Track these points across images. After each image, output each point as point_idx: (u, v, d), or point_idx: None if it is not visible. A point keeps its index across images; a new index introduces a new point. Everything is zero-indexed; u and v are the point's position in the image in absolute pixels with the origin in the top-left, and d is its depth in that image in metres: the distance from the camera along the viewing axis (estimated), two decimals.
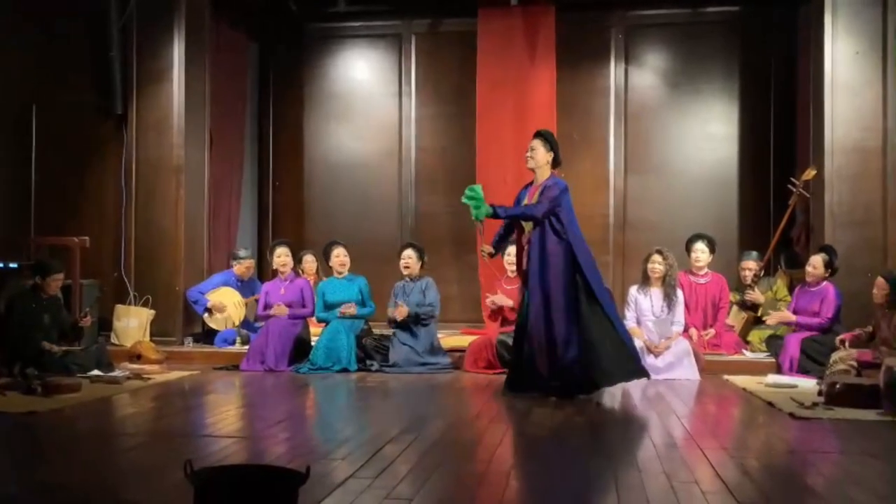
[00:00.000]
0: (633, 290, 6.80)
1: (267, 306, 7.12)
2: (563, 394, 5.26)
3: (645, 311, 6.67)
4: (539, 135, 5.59)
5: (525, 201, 5.51)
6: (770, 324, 6.93)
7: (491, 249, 5.69)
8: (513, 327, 6.83)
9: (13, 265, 7.24)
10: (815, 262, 6.59)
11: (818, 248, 6.86)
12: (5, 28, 7.72)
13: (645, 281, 6.76)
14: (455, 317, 8.36)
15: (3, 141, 7.81)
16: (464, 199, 5.40)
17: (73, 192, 7.92)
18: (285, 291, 7.13)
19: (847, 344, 5.96)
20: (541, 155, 5.49)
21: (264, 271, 8.87)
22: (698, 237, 7.24)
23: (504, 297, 6.89)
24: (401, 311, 6.80)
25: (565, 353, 5.27)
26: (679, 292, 6.71)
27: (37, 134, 7.87)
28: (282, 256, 7.25)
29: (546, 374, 5.31)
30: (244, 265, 7.89)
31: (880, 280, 5.95)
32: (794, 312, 6.62)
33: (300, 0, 8.79)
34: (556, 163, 5.55)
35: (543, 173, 5.50)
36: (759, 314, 7.19)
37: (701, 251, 7.16)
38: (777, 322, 6.84)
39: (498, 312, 6.99)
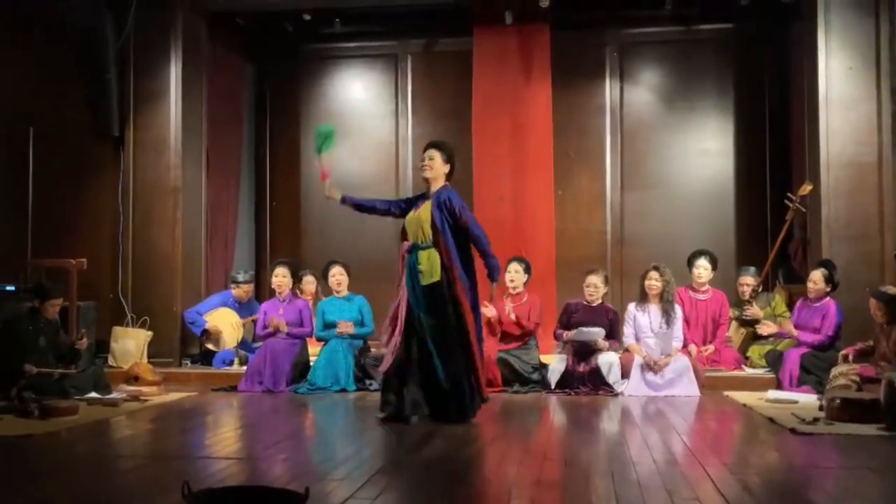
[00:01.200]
0: (632, 307, 6.80)
1: (265, 327, 7.10)
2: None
3: (643, 328, 6.67)
4: (436, 146, 5.35)
5: (417, 212, 5.18)
6: (764, 333, 6.93)
7: (334, 196, 5.36)
8: (513, 344, 6.86)
9: (10, 288, 7.23)
10: (816, 278, 6.59)
11: (817, 263, 6.87)
12: (1, 50, 7.76)
13: (643, 297, 6.76)
14: None
15: None
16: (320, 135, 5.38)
17: (70, 213, 7.92)
18: (284, 312, 7.12)
19: (851, 358, 5.94)
20: (438, 165, 5.25)
21: (262, 291, 8.86)
22: (700, 253, 7.25)
23: (491, 309, 6.85)
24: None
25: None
26: (678, 308, 6.72)
27: (34, 156, 7.88)
28: (279, 276, 7.24)
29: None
30: (243, 289, 7.88)
31: (873, 301, 5.97)
32: (795, 327, 6.62)
33: (296, 21, 8.84)
34: (450, 175, 5.33)
35: (438, 184, 5.26)
36: (757, 330, 7.18)
37: (703, 267, 7.17)
38: (774, 333, 6.83)
39: (492, 326, 6.96)
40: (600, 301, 6.86)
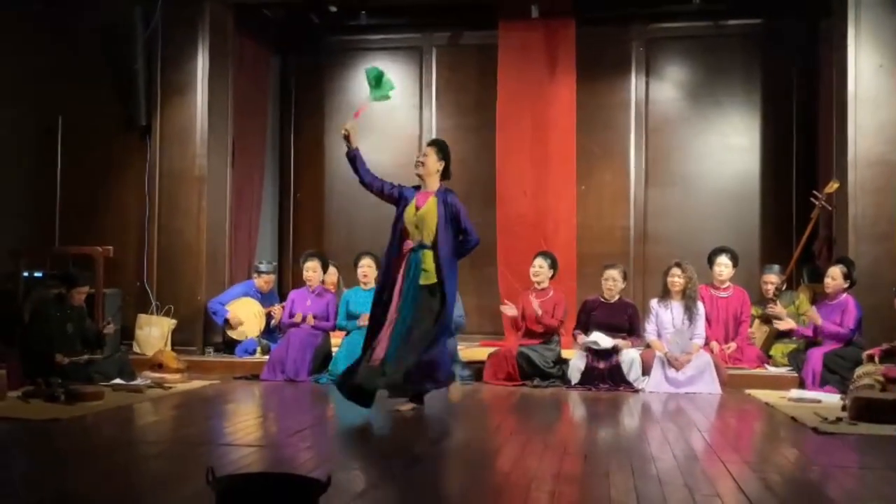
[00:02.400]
0: (654, 303, 6.78)
1: (291, 315, 7.15)
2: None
3: (665, 325, 6.64)
4: (433, 143, 5.42)
5: (414, 206, 5.20)
6: (782, 328, 6.87)
7: (352, 142, 5.20)
8: (535, 340, 6.84)
9: (38, 274, 7.34)
10: (834, 273, 6.53)
11: (835, 259, 6.81)
12: (31, 42, 7.86)
13: (665, 294, 6.74)
14: (473, 329, 8.35)
15: (29, 152, 7.94)
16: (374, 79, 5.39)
17: (97, 202, 8.01)
18: (311, 303, 7.16)
19: (877, 359, 5.88)
20: (432, 163, 5.26)
21: (284, 282, 8.92)
22: (721, 250, 7.21)
23: (511, 308, 6.84)
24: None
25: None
26: (700, 305, 6.68)
27: (62, 144, 7.98)
28: (309, 270, 7.26)
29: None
30: (264, 279, 7.93)
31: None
32: (816, 327, 6.56)
33: (322, 12, 8.86)
34: (446, 174, 5.34)
35: (433, 182, 5.28)
36: (780, 328, 7.12)
37: (724, 265, 7.12)
38: (792, 331, 6.77)
39: (515, 322, 6.97)
40: (619, 297, 6.83)
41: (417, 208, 5.19)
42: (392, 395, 5.16)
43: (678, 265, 6.70)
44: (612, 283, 6.78)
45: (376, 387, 5.03)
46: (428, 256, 5.12)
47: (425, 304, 5.09)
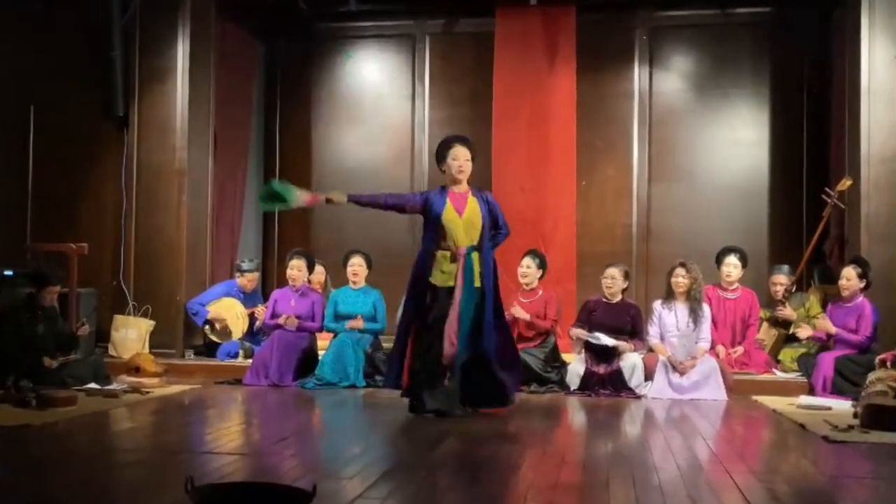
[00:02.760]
0: (657, 305, 6.79)
1: (274, 315, 7.14)
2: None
3: (669, 327, 6.66)
4: (466, 143, 5.51)
5: (453, 209, 5.36)
6: (802, 336, 6.88)
7: (337, 199, 5.43)
8: (529, 343, 6.86)
9: (8, 273, 7.31)
10: (849, 275, 6.54)
11: (848, 259, 6.83)
12: (2, 26, 7.82)
13: (669, 295, 6.75)
14: None
15: None
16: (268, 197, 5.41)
17: (71, 196, 7.99)
18: (295, 304, 7.15)
19: (889, 364, 5.90)
20: (470, 165, 5.49)
21: (268, 281, 8.90)
22: (730, 250, 7.22)
23: (521, 310, 6.88)
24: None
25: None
26: (705, 307, 6.70)
27: (34, 135, 7.96)
28: (294, 270, 7.25)
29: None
30: (247, 278, 7.91)
31: None
32: (829, 335, 6.57)
33: None
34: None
35: (465, 183, 5.49)
36: (790, 332, 7.15)
37: (733, 265, 7.14)
38: (810, 336, 6.78)
39: (513, 325, 6.97)
40: (620, 297, 6.85)
41: (458, 212, 5.37)
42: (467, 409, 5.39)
43: (683, 265, 6.71)
44: (612, 281, 6.79)
45: (454, 411, 5.28)
46: (476, 259, 5.37)
47: (481, 305, 5.35)
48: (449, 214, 5.35)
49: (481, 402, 5.42)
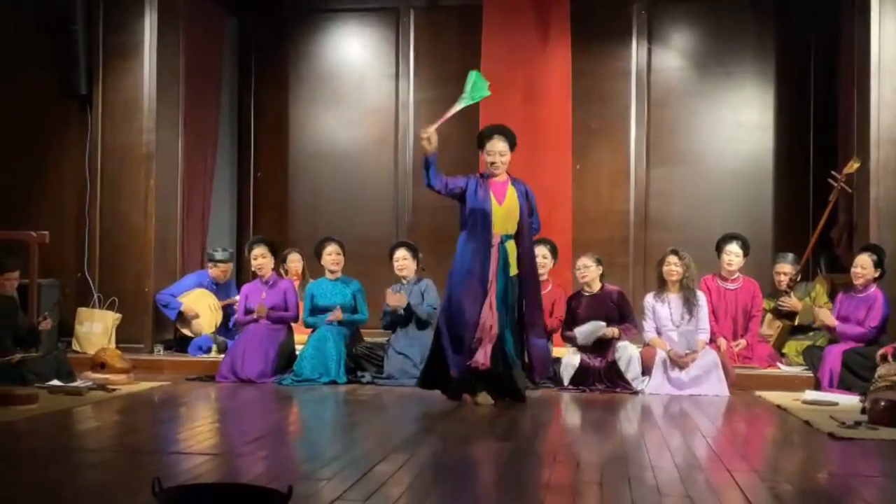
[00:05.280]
0: (650, 298, 6.79)
1: (247, 311, 7.12)
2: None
3: (664, 320, 6.67)
4: (504, 134, 5.81)
5: (493, 200, 5.70)
6: (824, 319, 6.89)
7: (431, 146, 5.62)
8: None
9: None
10: (864, 263, 6.55)
11: (862, 247, 6.85)
12: None
13: (662, 286, 6.74)
14: None
15: None
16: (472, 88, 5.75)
17: (30, 181, 7.93)
18: (266, 295, 7.13)
19: (890, 358, 5.93)
20: (508, 158, 5.80)
21: (243, 272, 8.88)
22: (731, 238, 7.24)
23: None
24: (398, 298, 6.84)
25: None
26: (700, 295, 6.70)
27: None
28: (258, 258, 7.21)
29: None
30: (220, 269, 7.89)
31: None
32: (830, 328, 6.60)
33: None
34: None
35: (503, 172, 5.82)
36: (795, 323, 7.18)
37: (734, 254, 7.15)
38: (819, 323, 6.79)
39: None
40: (600, 285, 6.82)
41: (499, 201, 5.70)
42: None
43: (675, 252, 6.71)
44: (585, 270, 6.78)
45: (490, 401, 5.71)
46: (513, 247, 5.69)
47: (518, 295, 5.71)
48: (488, 203, 5.66)
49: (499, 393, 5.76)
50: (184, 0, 8.11)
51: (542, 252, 6.93)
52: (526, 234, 5.75)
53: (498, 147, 5.76)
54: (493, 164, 5.76)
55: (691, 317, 6.61)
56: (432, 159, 5.65)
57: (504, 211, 5.69)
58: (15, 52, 7.89)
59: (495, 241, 5.65)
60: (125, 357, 6.88)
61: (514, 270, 5.70)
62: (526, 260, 5.74)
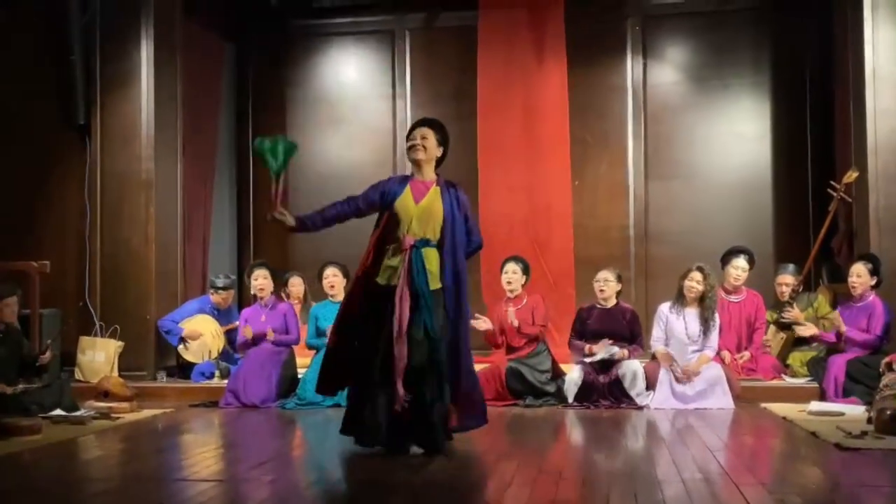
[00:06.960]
0: (665, 308, 6.77)
1: (255, 340, 7.10)
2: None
3: (677, 334, 6.65)
4: (430, 123, 4.95)
5: (410, 197, 4.80)
6: (805, 335, 6.92)
7: (288, 220, 4.89)
8: (521, 352, 6.84)
9: None
10: (859, 271, 6.58)
11: (857, 256, 6.87)
12: None
13: (679, 299, 6.73)
14: None
15: None
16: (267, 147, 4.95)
17: (30, 210, 7.94)
18: (266, 318, 7.13)
19: (895, 366, 5.92)
20: (432, 146, 4.87)
21: (245, 297, 8.87)
22: (738, 251, 7.24)
23: (513, 315, 6.84)
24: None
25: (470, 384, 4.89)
26: (717, 317, 6.67)
27: None
28: (259, 279, 7.24)
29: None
30: (222, 296, 7.88)
31: None
32: (839, 333, 6.60)
33: None
34: (441, 161, 4.96)
35: (430, 171, 4.90)
36: (798, 334, 7.17)
37: (741, 268, 7.17)
38: (814, 336, 6.82)
39: (493, 338, 6.96)
40: (615, 301, 6.84)
41: (416, 200, 4.80)
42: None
43: (700, 269, 6.64)
44: (605, 284, 6.80)
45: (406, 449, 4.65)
46: (432, 255, 4.76)
47: (441, 313, 4.71)
48: (403, 200, 4.80)
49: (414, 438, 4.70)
50: (181, 28, 8.15)
51: (512, 268, 6.95)
52: (457, 245, 4.77)
53: (419, 132, 4.87)
54: (412, 147, 4.84)
55: (706, 335, 6.58)
56: (300, 223, 4.97)
57: (420, 211, 4.75)
58: (15, 83, 7.92)
59: (406, 243, 4.72)
60: (128, 385, 6.86)
61: (435, 284, 4.71)
62: (453, 273, 4.74)
